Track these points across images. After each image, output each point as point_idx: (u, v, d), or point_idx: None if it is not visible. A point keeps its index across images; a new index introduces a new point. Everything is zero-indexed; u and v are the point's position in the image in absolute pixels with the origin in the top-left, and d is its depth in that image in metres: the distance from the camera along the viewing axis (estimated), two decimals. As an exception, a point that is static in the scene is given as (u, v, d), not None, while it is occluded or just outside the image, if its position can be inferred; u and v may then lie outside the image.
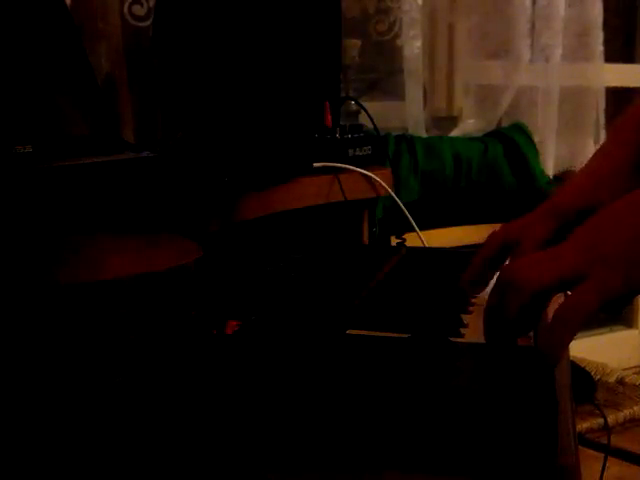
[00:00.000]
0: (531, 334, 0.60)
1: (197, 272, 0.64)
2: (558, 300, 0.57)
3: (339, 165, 1.12)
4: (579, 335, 0.58)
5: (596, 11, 1.85)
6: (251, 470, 0.42)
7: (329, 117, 1.14)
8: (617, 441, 1.40)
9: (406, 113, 1.71)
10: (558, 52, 1.82)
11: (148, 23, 1.23)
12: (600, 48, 1.87)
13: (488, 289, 0.62)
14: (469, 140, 1.74)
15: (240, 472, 0.42)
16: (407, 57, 1.68)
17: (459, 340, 0.58)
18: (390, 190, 1.18)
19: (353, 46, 1.64)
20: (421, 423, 0.44)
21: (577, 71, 1.88)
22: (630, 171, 0.62)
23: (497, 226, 0.67)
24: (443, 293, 0.70)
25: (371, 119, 1.26)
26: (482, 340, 0.58)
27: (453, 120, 1.85)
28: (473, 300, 0.69)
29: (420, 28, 1.68)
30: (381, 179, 1.16)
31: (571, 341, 0.51)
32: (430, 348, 0.55)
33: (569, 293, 0.55)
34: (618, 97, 2.00)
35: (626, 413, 1.39)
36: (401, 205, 1.19)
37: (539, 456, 0.41)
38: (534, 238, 0.62)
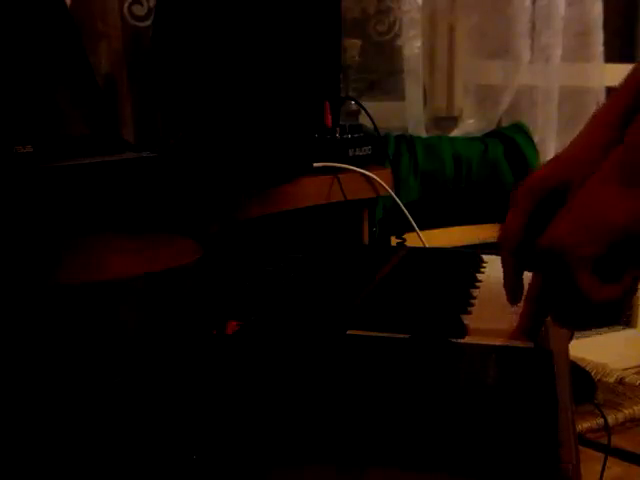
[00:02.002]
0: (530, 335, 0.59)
1: (197, 272, 0.64)
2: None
3: (339, 165, 1.12)
4: (579, 335, 0.59)
5: (596, 11, 1.85)
6: (253, 469, 0.42)
7: (329, 117, 1.14)
8: (617, 441, 1.40)
9: (406, 113, 1.71)
10: (558, 52, 1.82)
11: (148, 23, 1.23)
12: (600, 48, 1.87)
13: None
14: (469, 140, 1.74)
15: (242, 471, 0.42)
16: (407, 57, 1.68)
17: (459, 340, 0.58)
18: (390, 190, 1.18)
19: (353, 46, 1.64)
20: (421, 422, 0.44)
21: (577, 71, 1.88)
22: (602, 151, 0.62)
23: (497, 226, 0.67)
24: (443, 293, 0.70)
25: (371, 119, 1.26)
26: (482, 340, 0.58)
27: (453, 120, 1.85)
28: (473, 300, 0.69)
29: (420, 28, 1.68)
30: (381, 179, 1.16)
31: None
32: (430, 348, 0.55)
33: None
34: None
35: (626, 413, 1.39)
36: (401, 205, 1.19)
37: (539, 456, 0.41)
38: (513, 230, 0.63)
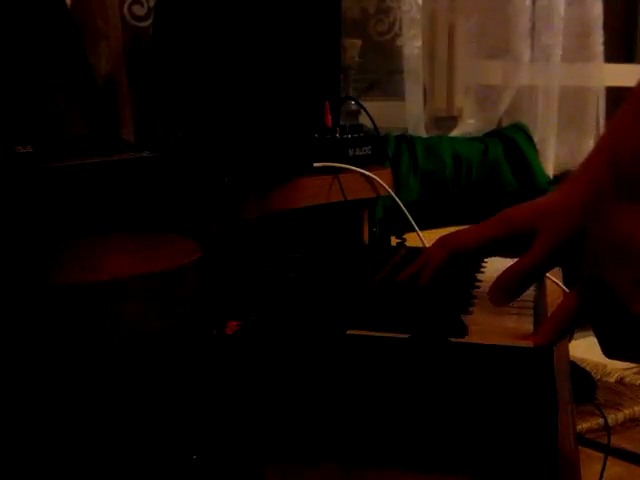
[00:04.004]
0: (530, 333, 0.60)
1: (197, 272, 0.64)
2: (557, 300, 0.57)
3: (339, 165, 1.12)
4: (579, 335, 0.59)
5: (596, 11, 1.85)
6: (252, 469, 0.42)
7: (329, 117, 1.14)
8: (617, 441, 1.40)
9: (406, 113, 1.71)
10: (558, 52, 1.82)
11: (148, 23, 1.23)
12: (600, 48, 1.87)
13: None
14: (469, 140, 1.74)
15: (241, 471, 0.42)
16: (407, 57, 1.68)
17: (459, 340, 0.58)
18: (390, 190, 1.18)
19: (353, 46, 1.64)
20: (421, 422, 0.44)
21: (577, 71, 1.88)
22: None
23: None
24: (443, 293, 0.70)
25: (371, 119, 1.26)
26: (482, 340, 0.58)
27: (453, 120, 1.85)
28: (473, 300, 0.69)
29: (420, 28, 1.68)
30: (381, 179, 1.16)
31: None
32: (430, 348, 0.55)
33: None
34: (618, 97, 2.00)
35: (626, 413, 1.39)
36: (401, 205, 1.19)
37: (539, 456, 0.41)
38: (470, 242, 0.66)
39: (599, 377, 1.55)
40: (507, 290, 0.61)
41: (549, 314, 0.66)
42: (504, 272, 0.61)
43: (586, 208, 0.55)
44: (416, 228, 1.20)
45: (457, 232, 0.67)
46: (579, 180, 0.58)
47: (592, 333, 0.55)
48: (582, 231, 0.55)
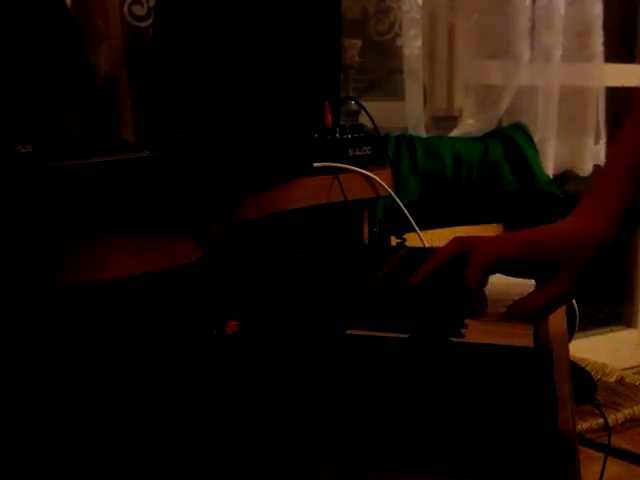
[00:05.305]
0: (531, 334, 0.60)
1: (197, 272, 0.64)
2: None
3: (339, 165, 1.12)
4: (579, 335, 0.59)
5: (596, 11, 1.85)
6: (252, 471, 0.42)
7: (329, 117, 1.14)
8: (617, 441, 1.40)
9: (406, 113, 1.71)
10: (558, 52, 1.82)
11: (148, 23, 1.23)
12: (600, 48, 1.87)
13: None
14: (469, 140, 1.74)
15: (241, 473, 0.42)
16: (407, 57, 1.68)
17: (459, 340, 0.58)
18: (390, 190, 1.18)
19: (353, 46, 1.64)
20: (421, 423, 0.44)
21: (577, 71, 1.88)
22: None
23: (497, 226, 0.68)
24: (443, 293, 0.70)
25: (371, 119, 1.26)
26: (482, 340, 0.58)
27: (453, 120, 1.85)
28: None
29: (420, 28, 1.68)
30: (381, 179, 1.16)
31: None
32: (430, 348, 0.55)
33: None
34: (618, 97, 2.00)
35: (626, 413, 1.39)
36: (401, 205, 1.19)
37: (539, 456, 0.41)
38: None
39: (599, 377, 1.55)
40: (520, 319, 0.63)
41: (549, 315, 0.66)
42: (519, 304, 0.63)
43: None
44: (416, 228, 1.20)
45: (478, 242, 0.67)
46: (598, 212, 0.60)
47: (592, 333, 0.56)
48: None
